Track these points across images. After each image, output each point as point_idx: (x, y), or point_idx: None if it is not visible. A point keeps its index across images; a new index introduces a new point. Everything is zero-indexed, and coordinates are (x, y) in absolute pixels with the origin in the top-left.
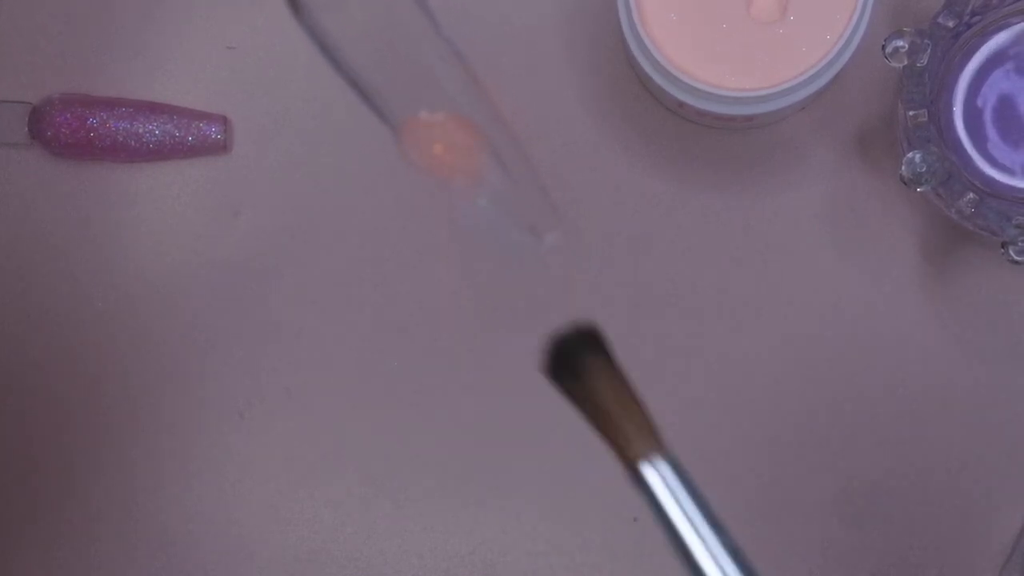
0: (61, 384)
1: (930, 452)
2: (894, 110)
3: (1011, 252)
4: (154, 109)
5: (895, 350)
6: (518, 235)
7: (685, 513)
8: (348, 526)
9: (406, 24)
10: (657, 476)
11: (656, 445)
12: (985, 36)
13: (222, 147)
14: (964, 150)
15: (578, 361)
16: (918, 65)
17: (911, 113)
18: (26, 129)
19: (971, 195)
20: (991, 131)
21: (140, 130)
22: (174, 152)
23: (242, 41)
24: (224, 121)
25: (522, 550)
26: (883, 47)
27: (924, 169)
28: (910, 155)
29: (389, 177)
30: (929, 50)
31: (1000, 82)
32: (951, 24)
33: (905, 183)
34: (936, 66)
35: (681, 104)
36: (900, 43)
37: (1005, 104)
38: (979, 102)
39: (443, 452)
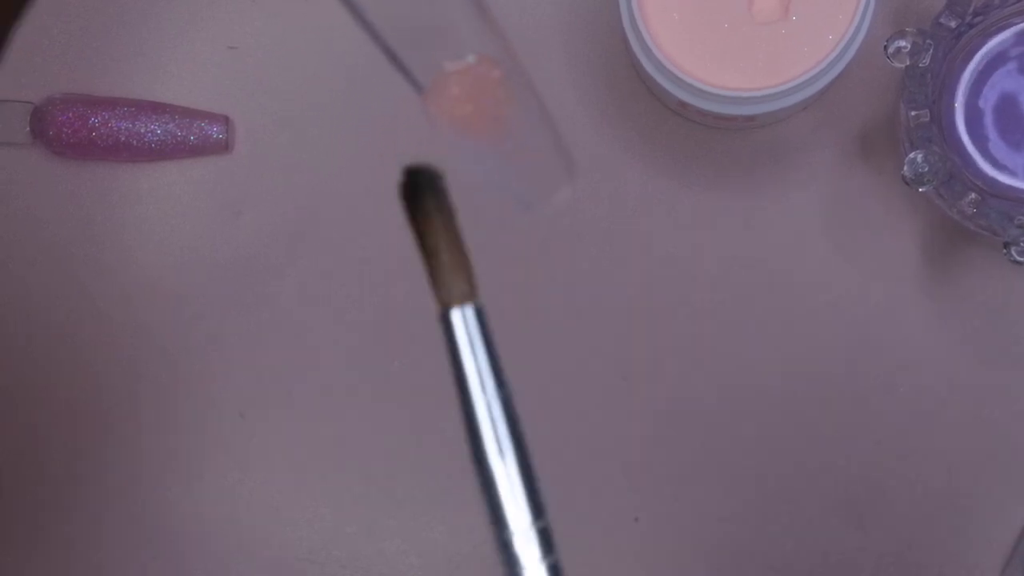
0: (61, 384)
1: (930, 452)
2: (896, 110)
3: (1013, 252)
4: (156, 109)
5: (895, 350)
6: (529, 192)
7: (476, 362)
8: (348, 526)
9: None
10: (461, 322)
11: (468, 294)
12: (987, 36)
13: (223, 147)
14: (966, 150)
15: (423, 197)
16: (920, 65)
17: (913, 113)
18: (28, 129)
19: (973, 195)
20: (993, 131)
21: (142, 130)
22: (176, 152)
23: (244, 41)
24: (226, 121)
25: None
26: (885, 47)
27: (926, 169)
28: (912, 155)
29: (389, 177)
30: (931, 50)
31: (1002, 82)
32: (953, 24)
33: (907, 183)
34: (938, 66)
35: (682, 104)
36: (902, 43)
37: (1007, 104)
38: (981, 102)
39: (443, 452)
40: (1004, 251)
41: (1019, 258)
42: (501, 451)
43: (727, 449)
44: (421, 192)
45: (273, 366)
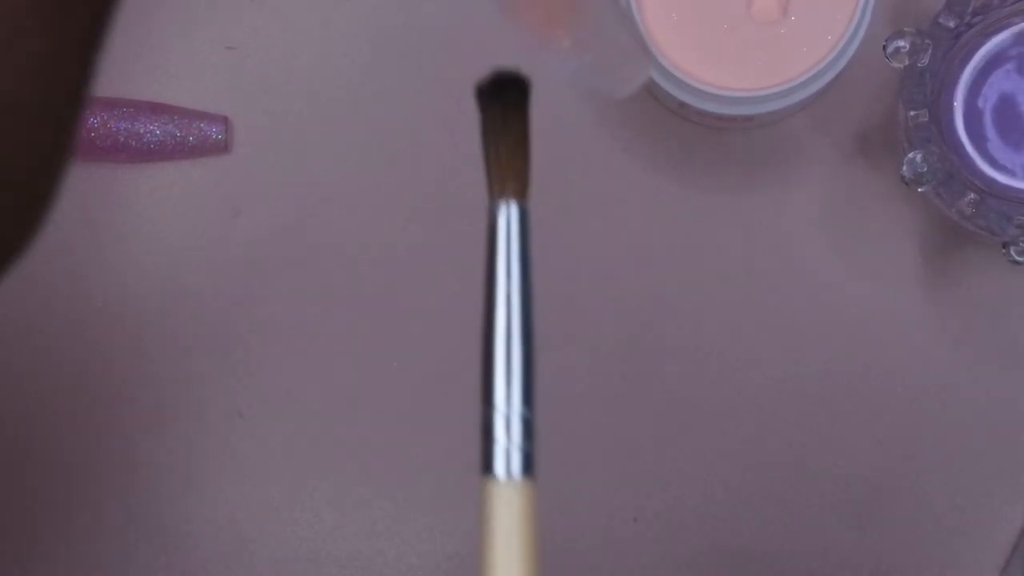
0: (60, 384)
1: (930, 452)
2: (895, 110)
3: (1012, 252)
4: (155, 109)
5: (895, 350)
6: (611, 84)
7: (507, 259)
8: (348, 526)
9: None
10: (504, 219)
11: (519, 192)
12: (986, 36)
13: (223, 147)
14: (965, 150)
15: (503, 95)
16: (919, 65)
17: (912, 113)
18: None
19: (972, 195)
20: (991, 131)
21: (141, 130)
22: (175, 152)
23: (242, 41)
24: (225, 121)
25: None
26: (884, 47)
27: (925, 169)
28: (911, 155)
29: (389, 177)
30: (930, 50)
31: (1001, 82)
32: (952, 24)
33: (906, 183)
34: (937, 66)
35: (681, 104)
36: (901, 43)
37: (1006, 104)
38: (980, 102)
39: (443, 452)
40: (1003, 251)
41: (1018, 258)
42: (509, 336)
43: (727, 449)
44: (504, 90)
45: (273, 366)
